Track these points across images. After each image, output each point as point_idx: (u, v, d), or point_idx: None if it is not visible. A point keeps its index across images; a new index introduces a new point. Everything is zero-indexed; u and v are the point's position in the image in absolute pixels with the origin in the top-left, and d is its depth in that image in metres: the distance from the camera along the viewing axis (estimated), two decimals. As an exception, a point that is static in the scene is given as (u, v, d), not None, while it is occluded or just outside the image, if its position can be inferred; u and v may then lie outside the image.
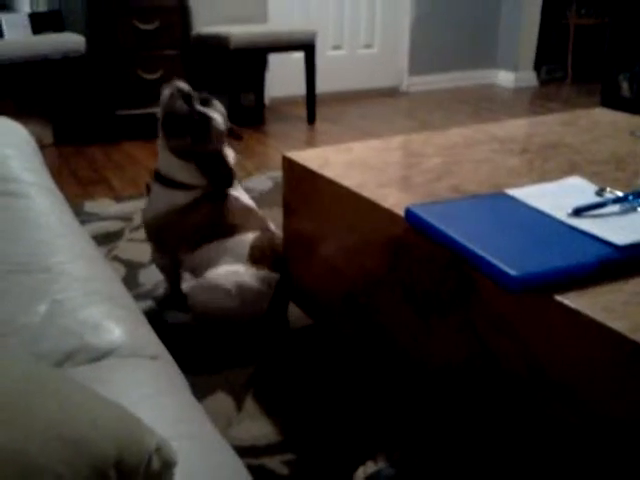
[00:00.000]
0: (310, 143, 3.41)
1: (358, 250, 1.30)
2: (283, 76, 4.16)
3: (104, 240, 2.12)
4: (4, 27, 3.06)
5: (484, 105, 4.29)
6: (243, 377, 1.42)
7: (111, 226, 2.25)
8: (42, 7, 3.25)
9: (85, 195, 2.60)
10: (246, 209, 1.58)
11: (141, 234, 2.17)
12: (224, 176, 1.55)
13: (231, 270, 1.48)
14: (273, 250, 1.54)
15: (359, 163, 1.44)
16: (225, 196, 1.56)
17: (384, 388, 1.38)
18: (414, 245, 1.11)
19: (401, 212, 1.13)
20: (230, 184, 1.56)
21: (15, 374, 0.39)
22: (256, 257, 1.50)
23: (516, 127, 1.74)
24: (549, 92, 4.71)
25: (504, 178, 1.31)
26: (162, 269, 1.69)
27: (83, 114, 3.42)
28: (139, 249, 2.06)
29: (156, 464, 0.42)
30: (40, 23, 3.17)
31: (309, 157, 1.51)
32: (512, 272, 0.88)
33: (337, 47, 4.41)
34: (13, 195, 1.01)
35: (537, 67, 5.00)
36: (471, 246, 0.96)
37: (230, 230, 1.52)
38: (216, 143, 1.54)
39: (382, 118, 3.93)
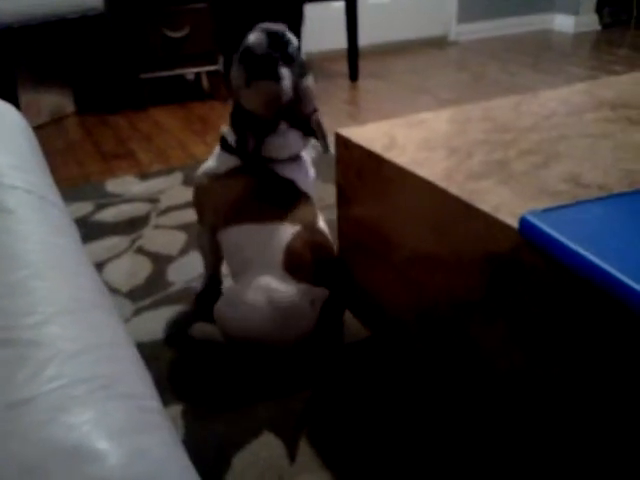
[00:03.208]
0: (355, 103, 3.08)
1: (441, 261, 1.00)
2: (320, 29, 3.79)
3: (127, 228, 1.85)
4: (14, -15, 2.78)
5: (544, 54, 3.86)
6: (294, 412, 1.14)
7: (135, 210, 1.97)
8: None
9: (109, 171, 2.33)
10: (292, 194, 1.27)
11: (169, 219, 1.90)
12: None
13: (263, 283, 1.17)
14: (316, 254, 1.21)
15: (436, 142, 1.13)
16: (269, 171, 1.27)
17: (474, 424, 1.09)
18: (530, 267, 0.81)
19: (508, 219, 0.82)
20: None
21: None
22: (293, 263, 1.18)
23: (626, 86, 1.39)
24: (613, 37, 4.24)
25: (636, 161, 0.99)
26: (202, 248, 1.43)
27: (105, 79, 3.13)
28: (168, 238, 1.78)
29: None
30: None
31: (370, 134, 1.20)
32: None
33: (379, -6, 4.00)
34: (-16, 211, 0.74)
35: (599, 9, 4.52)
36: (628, 281, 0.66)
37: (261, 215, 1.23)
38: (271, 104, 1.22)
39: (431, 72, 3.56)
